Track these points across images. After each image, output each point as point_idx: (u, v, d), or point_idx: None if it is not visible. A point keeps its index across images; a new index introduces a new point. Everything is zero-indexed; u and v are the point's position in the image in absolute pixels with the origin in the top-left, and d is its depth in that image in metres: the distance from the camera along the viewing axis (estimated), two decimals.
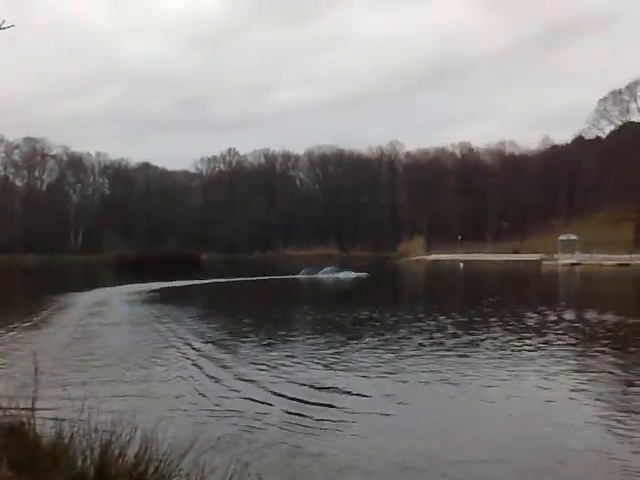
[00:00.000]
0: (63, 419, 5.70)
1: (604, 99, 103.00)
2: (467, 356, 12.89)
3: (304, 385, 10.15)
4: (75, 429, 5.16)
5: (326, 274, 45.54)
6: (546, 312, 20.62)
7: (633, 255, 68.59)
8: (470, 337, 15.50)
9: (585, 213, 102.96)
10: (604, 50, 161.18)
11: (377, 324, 18.57)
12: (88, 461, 4.68)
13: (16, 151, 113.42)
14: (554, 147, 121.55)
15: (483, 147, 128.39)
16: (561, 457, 6.79)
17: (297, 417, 8.25)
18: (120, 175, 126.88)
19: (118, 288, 34.18)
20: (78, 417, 5.56)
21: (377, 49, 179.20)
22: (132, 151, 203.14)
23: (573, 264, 63.66)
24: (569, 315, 19.88)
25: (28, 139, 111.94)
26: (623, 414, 8.39)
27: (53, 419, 5.99)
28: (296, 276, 45.98)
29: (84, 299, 27.77)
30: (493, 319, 19.25)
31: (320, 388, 9.96)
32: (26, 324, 18.62)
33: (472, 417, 8.51)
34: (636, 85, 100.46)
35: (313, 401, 9.02)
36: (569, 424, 8.05)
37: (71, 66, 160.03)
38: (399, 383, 10.41)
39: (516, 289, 36.85)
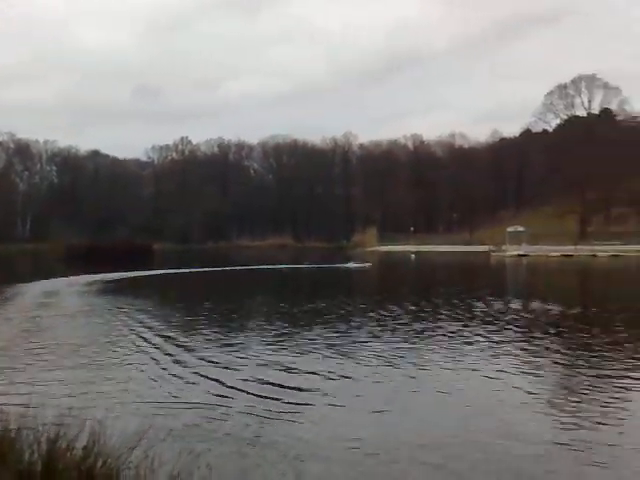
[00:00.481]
0: (9, 413, 5.61)
1: (550, 93, 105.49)
2: (416, 344, 13.17)
3: (263, 373, 10.28)
4: (22, 423, 5.11)
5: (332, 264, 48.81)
6: (494, 302, 21.14)
7: (577, 247, 70.84)
8: (420, 326, 15.82)
9: (533, 205, 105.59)
10: (552, 45, 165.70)
11: (333, 312, 18.77)
12: (35, 455, 4.64)
13: None
14: (503, 140, 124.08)
15: (434, 139, 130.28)
16: (508, 437, 7.11)
17: (254, 407, 8.30)
18: (69, 163, 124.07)
19: (68, 279, 33.46)
20: (25, 411, 5.51)
21: (332, 41, 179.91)
22: (83, 139, 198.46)
23: (520, 255, 65.28)
24: (516, 305, 20.45)
25: None
26: (568, 399, 8.80)
27: None
28: (303, 266, 48.49)
29: (33, 289, 27.11)
30: (443, 309, 19.65)
31: (278, 378, 10.07)
32: None
33: (422, 402, 8.76)
34: (580, 80, 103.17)
35: (264, 394, 9.05)
36: (513, 407, 8.37)
37: (20, 51, 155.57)
38: (353, 372, 10.57)
39: (465, 279, 37.64)
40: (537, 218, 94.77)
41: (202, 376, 10.15)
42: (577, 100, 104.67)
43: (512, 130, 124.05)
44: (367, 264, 48.22)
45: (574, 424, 7.58)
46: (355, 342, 13.51)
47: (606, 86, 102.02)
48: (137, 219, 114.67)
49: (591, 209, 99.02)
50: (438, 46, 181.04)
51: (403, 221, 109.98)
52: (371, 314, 18.44)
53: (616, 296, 26.17)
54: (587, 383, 9.60)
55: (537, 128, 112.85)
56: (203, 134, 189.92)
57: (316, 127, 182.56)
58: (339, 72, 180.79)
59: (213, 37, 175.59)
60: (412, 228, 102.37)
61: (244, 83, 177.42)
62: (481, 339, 13.69)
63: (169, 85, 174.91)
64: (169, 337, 14.25)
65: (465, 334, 14.36)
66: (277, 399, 8.70)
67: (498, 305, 20.28)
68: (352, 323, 16.70)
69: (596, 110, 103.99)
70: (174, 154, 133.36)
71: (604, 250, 67.42)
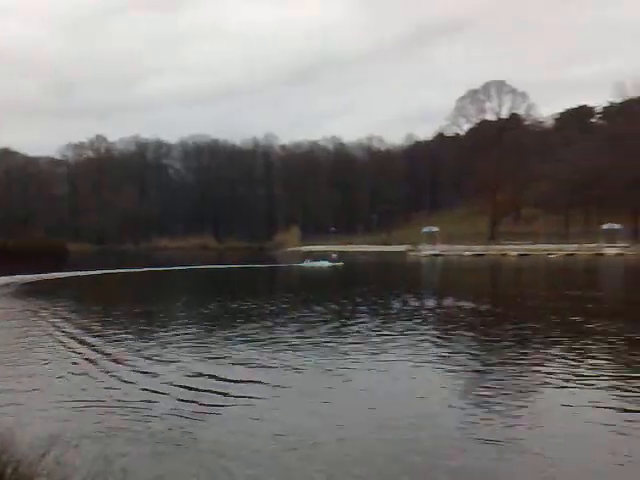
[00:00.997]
0: None
1: (462, 98, 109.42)
2: (336, 342, 13.44)
3: (180, 375, 10.29)
4: None
5: (307, 263, 50.75)
6: (410, 299, 21.90)
7: (487, 246, 73.88)
8: (341, 323, 16.20)
9: (447, 207, 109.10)
10: (465, 51, 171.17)
11: (252, 314, 18.82)
12: None
13: None
14: (417, 143, 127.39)
15: (353, 142, 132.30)
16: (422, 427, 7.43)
17: (175, 409, 8.30)
18: None
19: None
20: None
21: (254, 42, 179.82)
22: None
23: (435, 255, 67.39)
24: (431, 302, 21.18)
25: None
26: (480, 390, 9.17)
27: None
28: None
29: None
30: (363, 307, 20.16)
31: (200, 376, 10.14)
32: None
33: (343, 398, 8.94)
34: (490, 86, 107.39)
35: (183, 397, 9.03)
36: (429, 399, 8.71)
37: None
38: (275, 368, 10.76)
39: (384, 278, 38.52)
40: (451, 219, 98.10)
41: (121, 380, 10.06)
42: (487, 105, 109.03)
43: (427, 134, 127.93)
44: (340, 263, 49.45)
45: (486, 418, 7.80)
46: (276, 340, 13.69)
47: (514, 92, 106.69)
48: (51, 219, 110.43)
49: (501, 210, 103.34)
50: (357, 50, 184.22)
51: (324, 221, 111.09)
52: (294, 313, 18.70)
53: (523, 293, 27.53)
54: (498, 375, 10.00)
55: (450, 132, 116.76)
56: (121, 133, 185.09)
57: (237, 127, 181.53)
58: (261, 73, 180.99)
59: (132, 35, 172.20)
60: (333, 228, 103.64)
61: (165, 82, 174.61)
62: (398, 334, 14.15)
63: (85, 82, 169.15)
64: (86, 342, 13.99)
65: (383, 330, 14.81)
66: (194, 401, 8.69)
67: (414, 302, 20.98)
68: (277, 320, 16.95)
69: (505, 115, 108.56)
70: (90, 152, 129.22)
71: (513, 249, 70.60)
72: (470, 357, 11.66)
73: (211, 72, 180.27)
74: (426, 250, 71.60)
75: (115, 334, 14.97)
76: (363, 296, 24.21)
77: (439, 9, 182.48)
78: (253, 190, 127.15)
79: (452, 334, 14.39)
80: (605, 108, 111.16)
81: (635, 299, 24.29)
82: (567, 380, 9.63)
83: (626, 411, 8.04)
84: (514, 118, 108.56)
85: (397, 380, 9.92)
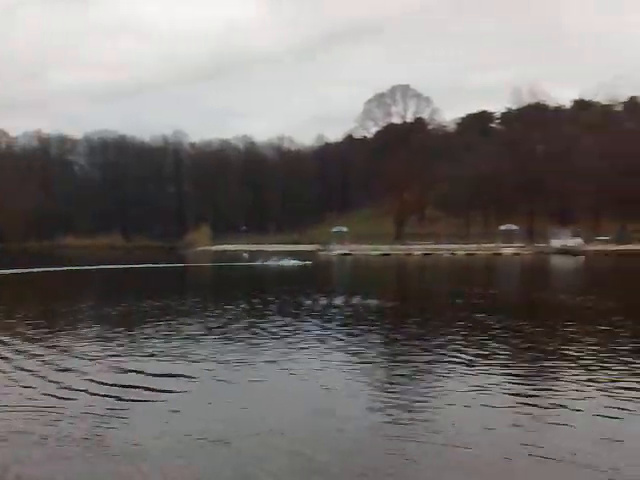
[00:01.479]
0: None
1: (369, 101, 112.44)
2: (245, 340, 13.88)
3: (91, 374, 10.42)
4: None
5: (273, 262, 50.40)
6: (319, 298, 22.70)
7: (394, 246, 76.86)
8: (250, 322, 16.64)
9: (356, 207, 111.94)
10: (374, 54, 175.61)
11: (165, 311, 19.13)
12: None
13: None
14: (328, 144, 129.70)
15: (264, 141, 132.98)
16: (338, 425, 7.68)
17: (89, 407, 8.37)
18: None
19: None
20: None
21: (164, 39, 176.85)
22: None
23: (344, 254, 69.44)
24: (339, 300, 21.93)
25: None
26: (386, 384, 9.72)
27: None
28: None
29: None
30: (273, 305, 20.88)
31: (118, 372, 10.44)
32: None
33: (250, 395, 9.21)
34: (396, 90, 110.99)
35: (99, 394, 9.13)
36: (341, 397, 9.01)
37: None
38: (189, 364, 11.10)
39: (294, 277, 39.58)
40: (360, 219, 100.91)
41: (27, 379, 10.02)
42: (394, 109, 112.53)
43: (337, 135, 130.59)
44: (308, 262, 49.84)
45: (392, 413, 8.10)
46: (188, 339, 14.02)
47: (419, 97, 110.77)
48: None
49: (407, 211, 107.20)
50: (268, 49, 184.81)
51: (235, 220, 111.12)
52: (207, 312, 19.13)
53: (426, 290, 29.52)
54: (402, 370, 10.54)
55: (359, 134, 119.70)
56: (24, 128, 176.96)
57: (146, 124, 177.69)
58: (171, 70, 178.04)
59: (37, 28, 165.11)
60: (244, 227, 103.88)
61: (72, 76, 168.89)
62: (305, 332, 14.85)
63: None
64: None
65: (292, 328, 15.48)
66: (107, 398, 8.78)
67: (323, 301, 21.78)
68: (188, 319, 17.30)
69: (411, 119, 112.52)
70: None
71: (417, 249, 73.81)
72: (375, 353, 12.30)
73: (120, 68, 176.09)
74: (336, 250, 73.55)
75: (22, 333, 14.89)
76: (274, 294, 24.89)
77: (350, 12, 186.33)
78: (162, 188, 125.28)
79: (358, 331, 15.12)
80: (503, 114, 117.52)
81: (530, 295, 26.52)
82: (465, 373, 10.36)
83: (518, 395, 8.85)
84: (419, 122, 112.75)
85: (304, 376, 10.23)
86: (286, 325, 16.14)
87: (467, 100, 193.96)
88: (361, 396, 9.00)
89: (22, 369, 10.88)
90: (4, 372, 10.71)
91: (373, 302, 21.57)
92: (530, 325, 16.14)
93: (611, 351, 12.16)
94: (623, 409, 8.16)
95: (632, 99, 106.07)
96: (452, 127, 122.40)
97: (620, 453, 6.62)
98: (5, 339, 14.21)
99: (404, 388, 9.43)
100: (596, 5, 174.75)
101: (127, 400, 8.73)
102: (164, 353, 12.31)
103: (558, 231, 80.00)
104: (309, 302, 21.71)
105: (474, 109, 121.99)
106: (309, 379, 10.10)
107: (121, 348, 13.01)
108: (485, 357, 11.70)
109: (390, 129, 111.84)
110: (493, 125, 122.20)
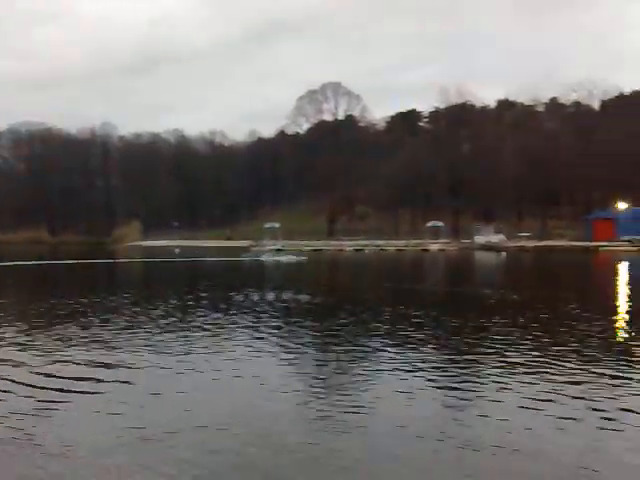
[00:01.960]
0: None
1: (301, 98, 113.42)
2: (175, 335, 14.05)
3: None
4: None
5: (267, 257, 51.44)
6: (251, 293, 23.11)
7: (326, 242, 78.03)
8: (181, 318, 16.85)
9: (289, 203, 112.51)
10: (307, 51, 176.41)
11: (92, 308, 19.03)
12: None
13: None
14: (260, 140, 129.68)
15: (196, 136, 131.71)
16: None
17: (10, 407, 8.22)
18: None
19: None
20: None
21: (94, 30, 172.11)
22: None
23: (277, 250, 69.93)
24: (270, 296, 22.36)
25: None
26: (315, 380, 9.83)
27: None
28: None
29: None
30: (205, 301, 21.11)
31: (38, 374, 10.22)
32: None
33: (181, 390, 9.21)
34: (327, 87, 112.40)
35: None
36: (274, 390, 9.11)
37: None
38: (112, 364, 11.03)
39: (226, 273, 39.91)
40: (293, 215, 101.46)
41: None
42: (325, 106, 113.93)
43: (270, 131, 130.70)
44: (303, 258, 50.26)
45: (323, 408, 8.11)
46: (120, 334, 14.16)
47: (349, 94, 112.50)
48: None
49: (338, 207, 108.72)
50: (201, 44, 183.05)
51: (166, 216, 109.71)
52: (137, 309, 18.96)
53: (356, 286, 30.53)
54: (331, 367, 10.64)
55: (291, 130, 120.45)
56: None
57: (74, 116, 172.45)
58: (101, 61, 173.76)
59: None
60: (176, 223, 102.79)
61: None
62: (237, 326, 15.21)
63: None
64: None
65: (223, 323, 15.82)
66: (34, 399, 8.64)
67: (255, 296, 22.19)
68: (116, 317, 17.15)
69: (341, 116, 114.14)
70: None
71: (349, 245, 75.23)
72: (306, 347, 12.59)
73: (48, 58, 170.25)
74: (268, 246, 73.99)
75: None
76: (207, 290, 25.15)
77: (284, 8, 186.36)
78: (91, 182, 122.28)
79: (289, 325, 15.60)
80: (431, 113, 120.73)
81: (455, 289, 27.95)
82: (391, 363, 10.81)
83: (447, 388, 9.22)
84: (350, 119, 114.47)
85: (234, 370, 10.37)
86: (218, 319, 16.49)
87: (397, 99, 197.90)
88: (289, 389, 9.12)
89: None
90: None
91: (304, 297, 22.09)
92: (451, 316, 17.18)
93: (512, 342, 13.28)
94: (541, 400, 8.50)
95: (553, 100, 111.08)
96: (382, 125, 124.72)
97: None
98: None
99: (334, 382, 9.62)
100: (514, 6, 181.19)
101: (54, 401, 8.53)
102: (90, 351, 12.12)
103: (482, 228, 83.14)
104: (242, 297, 22.07)
105: (403, 108, 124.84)
106: (240, 373, 10.17)
107: (43, 348, 12.53)
108: (410, 348, 12.34)
109: (322, 125, 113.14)
110: (421, 124, 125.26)
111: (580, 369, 10.34)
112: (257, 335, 13.99)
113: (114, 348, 12.43)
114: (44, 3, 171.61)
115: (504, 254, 64.64)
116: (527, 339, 13.30)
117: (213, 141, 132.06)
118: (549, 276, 37.76)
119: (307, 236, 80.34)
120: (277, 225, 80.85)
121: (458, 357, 11.58)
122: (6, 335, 14.27)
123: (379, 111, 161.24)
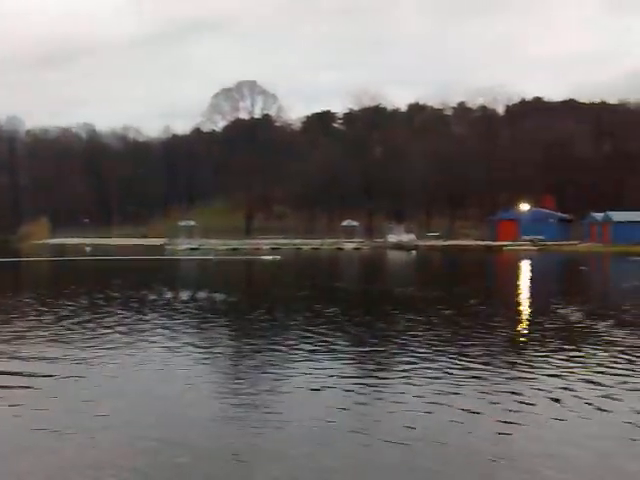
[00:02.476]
0: None
1: (217, 95, 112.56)
2: (86, 333, 13.95)
3: None
4: None
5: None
6: (165, 292, 23.03)
7: (243, 241, 77.95)
8: (91, 317, 16.51)
9: (205, 201, 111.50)
10: (225, 49, 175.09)
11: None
12: None
13: None
14: (175, 137, 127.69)
15: (108, 130, 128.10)
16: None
17: None
18: None
19: None
20: None
21: (2, 20, 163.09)
22: None
23: (192, 249, 69.30)
24: (185, 295, 22.20)
25: None
26: (234, 379, 9.86)
27: None
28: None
29: None
30: (118, 300, 20.84)
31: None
32: None
33: (91, 388, 9.23)
34: (243, 85, 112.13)
35: None
36: (179, 386, 9.24)
37: None
38: (28, 360, 11.05)
39: (139, 272, 39.15)
40: (208, 213, 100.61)
41: None
42: (241, 104, 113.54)
43: (185, 128, 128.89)
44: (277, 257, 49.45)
45: (240, 404, 8.30)
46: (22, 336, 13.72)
47: (265, 93, 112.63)
48: None
49: (255, 206, 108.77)
50: (116, 38, 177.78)
51: (77, 213, 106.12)
52: (44, 308, 18.42)
53: (271, 284, 30.88)
54: (250, 362, 10.85)
55: (207, 128, 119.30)
56: None
57: None
58: (7, 51, 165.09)
59: None
60: (87, 220, 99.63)
61: None
62: (151, 325, 15.21)
63: None
64: None
65: (136, 321, 15.81)
66: None
67: (168, 295, 22.14)
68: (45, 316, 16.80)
69: (258, 114, 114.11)
70: None
71: (266, 244, 75.45)
72: (222, 345, 12.68)
73: None
74: (183, 244, 73.12)
75: None
76: (117, 289, 24.84)
77: (202, 5, 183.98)
78: None
79: (204, 324, 15.60)
80: (345, 114, 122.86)
81: (367, 287, 28.75)
82: (305, 360, 11.10)
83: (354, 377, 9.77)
84: (266, 118, 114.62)
85: (149, 369, 10.38)
86: (127, 317, 16.41)
87: (313, 100, 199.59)
88: (203, 386, 9.28)
89: None
90: None
91: (219, 296, 22.15)
92: (364, 313, 17.92)
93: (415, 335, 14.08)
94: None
95: (461, 104, 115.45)
96: (298, 125, 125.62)
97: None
98: None
99: (250, 380, 9.69)
100: (434, 9, 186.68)
101: None
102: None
103: (394, 227, 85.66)
104: (155, 296, 21.93)
105: (319, 109, 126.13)
106: (159, 372, 10.20)
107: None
108: (325, 344, 12.69)
109: (238, 124, 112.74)
110: (336, 125, 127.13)
111: (480, 363, 10.85)
112: (168, 333, 13.91)
113: (14, 351, 11.82)
114: None
115: (414, 253, 66.83)
116: (432, 333, 14.11)
117: (126, 136, 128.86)
118: (456, 274, 39.54)
119: (224, 234, 79.84)
120: (192, 223, 79.97)
121: (367, 354, 12.01)
122: None
123: (295, 111, 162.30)
